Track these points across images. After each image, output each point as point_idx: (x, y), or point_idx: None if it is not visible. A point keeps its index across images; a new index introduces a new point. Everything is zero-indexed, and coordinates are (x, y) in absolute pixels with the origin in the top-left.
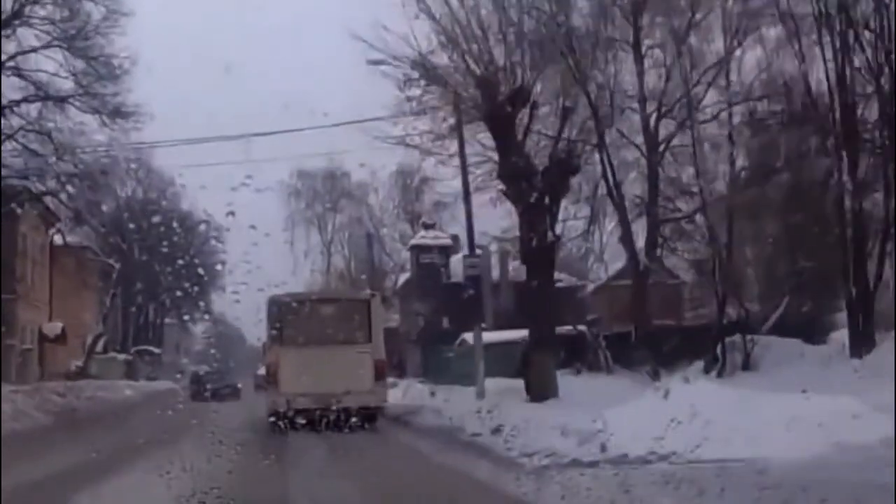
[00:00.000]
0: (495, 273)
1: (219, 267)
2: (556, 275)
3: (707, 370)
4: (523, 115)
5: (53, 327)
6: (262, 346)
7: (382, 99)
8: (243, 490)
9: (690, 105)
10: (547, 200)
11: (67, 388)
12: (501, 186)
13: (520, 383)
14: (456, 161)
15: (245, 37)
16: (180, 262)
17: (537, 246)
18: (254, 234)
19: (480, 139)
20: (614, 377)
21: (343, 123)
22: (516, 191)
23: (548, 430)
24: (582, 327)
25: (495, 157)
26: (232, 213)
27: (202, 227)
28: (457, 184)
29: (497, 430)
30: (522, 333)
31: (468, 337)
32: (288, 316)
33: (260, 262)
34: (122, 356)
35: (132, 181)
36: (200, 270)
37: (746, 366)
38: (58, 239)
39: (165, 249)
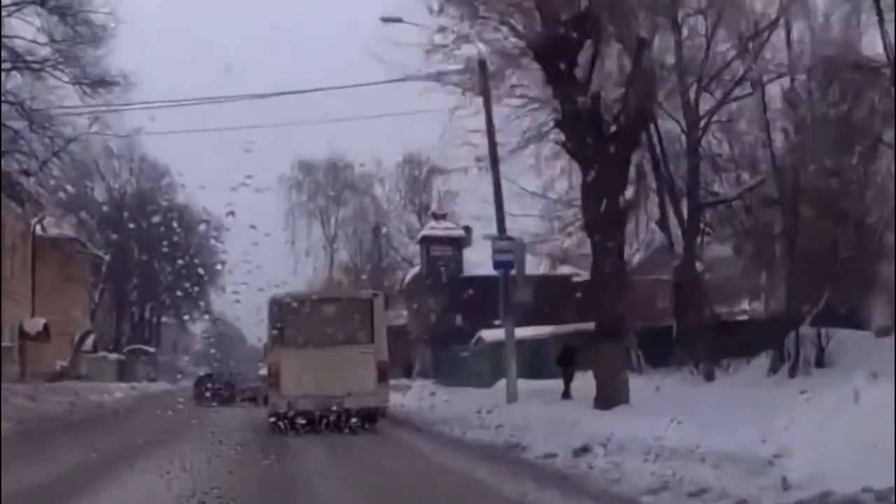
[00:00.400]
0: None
1: (219, 267)
2: (566, 268)
3: (774, 368)
4: (587, 48)
5: (35, 323)
6: (264, 347)
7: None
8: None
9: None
10: (617, 155)
11: (46, 390)
12: (559, 137)
13: (549, 384)
14: (509, 102)
15: (245, 35)
16: (179, 261)
17: (606, 212)
18: (254, 234)
19: (530, 69)
20: (647, 377)
21: (360, 85)
22: (580, 142)
23: (654, 450)
24: None
25: (546, 102)
26: (232, 213)
27: (202, 227)
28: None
29: (583, 451)
30: (543, 331)
31: (485, 334)
32: (289, 316)
33: (260, 262)
34: (114, 355)
35: (125, 169)
36: (200, 271)
37: (821, 362)
38: (43, 229)
39: (165, 249)
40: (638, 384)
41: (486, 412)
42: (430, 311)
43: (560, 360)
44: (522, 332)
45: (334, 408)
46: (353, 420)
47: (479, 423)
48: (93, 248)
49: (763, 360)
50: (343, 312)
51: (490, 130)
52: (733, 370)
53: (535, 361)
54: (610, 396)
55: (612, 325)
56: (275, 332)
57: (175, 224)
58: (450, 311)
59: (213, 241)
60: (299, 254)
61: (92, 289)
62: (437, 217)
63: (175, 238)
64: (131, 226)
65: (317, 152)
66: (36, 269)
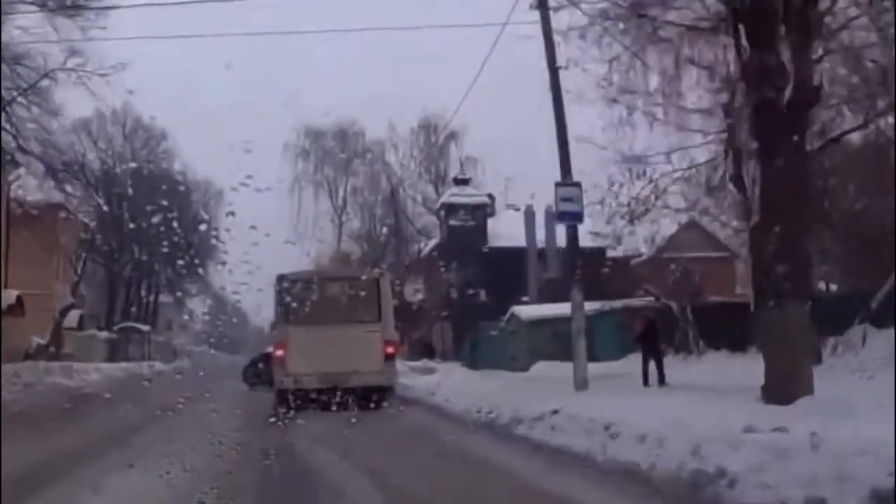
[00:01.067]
0: (540, 236)
1: (219, 267)
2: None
3: None
4: None
5: (7, 296)
6: (270, 326)
7: None
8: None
9: None
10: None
11: (8, 371)
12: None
13: (607, 368)
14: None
15: None
16: (175, 230)
17: (792, 102)
18: (254, 234)
19: None
20: (714, 360)
21: None
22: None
23: None
24: (670, 302)
25: None
26: (232, 214)
27: (203, 226)
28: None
29: None
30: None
31: (520, 310)
32: (295, 294)
33: (260, 262)
34: (104, 334)
35: (118, 133)
36: (199, 266)
37: None
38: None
39: (161, 226)
40: (712, 368)
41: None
42: (451, 286)
43: (641, 337)
44: (558, 309)
45: (341, 386)
46: (360, 398)
47: (582, 427)
48: (80, 216)
49: (886, 339)
50: (349, 291)
51: (549, 45)
52: (841, 351)
53: (597, 341)
54: (790, 385)
55: (793, 281)
56: (281, 309)
57: (173, 195)
58: (473, 287)
59: (213, 241)
60: (306, 226)
61: (76, 259)
62: (458, 182)
63: (172, 205)
64: (118, 190)
65: (325, 118)
66: (11, 236)
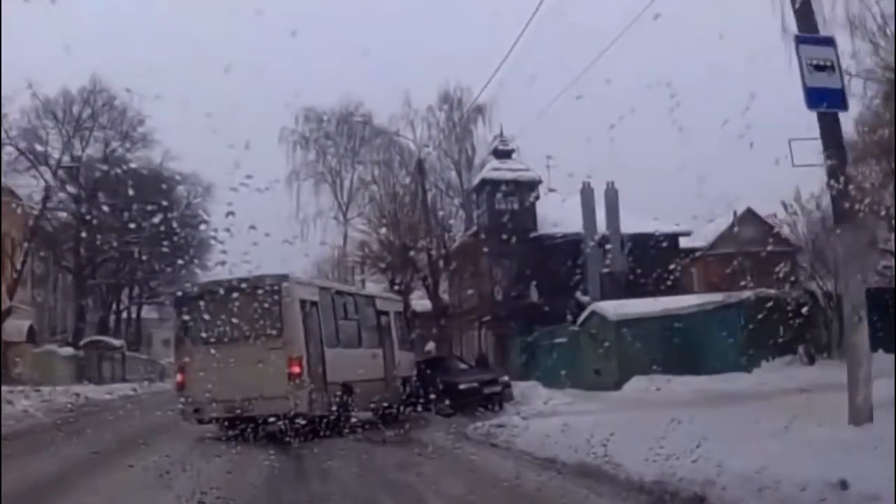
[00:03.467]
0: (600, 221)
1: (219, 268)
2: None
3: None
4: None
5: None
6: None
7: None
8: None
9: None
10: None
11: None
12: None
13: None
14: None
15: None
16: (162, 231)
17: None
18: (254, 234)
19: None
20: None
21: None
22: None
23: None
24: (814, 287)
25: None
26: (232, 213)
27: (202, 227)
28: None
29: None
30: (681, 302)
31: (604, 307)
32: (195, 311)
33: (259, 262)
34: (67, 350)
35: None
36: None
37: None
38: None
39: (141, 218)
40: None
41: None
42: (496, 283)
43: None
44: (653, 306)
45: (245, 414)
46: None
47: None
48: (29, 202)
49: None
50: (251, 302)
51: None
52: None
53: (675, 344)
54: None
55: None
56: (179, 329)
57: (157, 188)
58: (521, 283)
59: (210, 240)
60: (307, 222)
61: (16, 251)
62: (500, 155)
63: (165, 202)
64: (71, 164)
65: (328, 100)
66: None
